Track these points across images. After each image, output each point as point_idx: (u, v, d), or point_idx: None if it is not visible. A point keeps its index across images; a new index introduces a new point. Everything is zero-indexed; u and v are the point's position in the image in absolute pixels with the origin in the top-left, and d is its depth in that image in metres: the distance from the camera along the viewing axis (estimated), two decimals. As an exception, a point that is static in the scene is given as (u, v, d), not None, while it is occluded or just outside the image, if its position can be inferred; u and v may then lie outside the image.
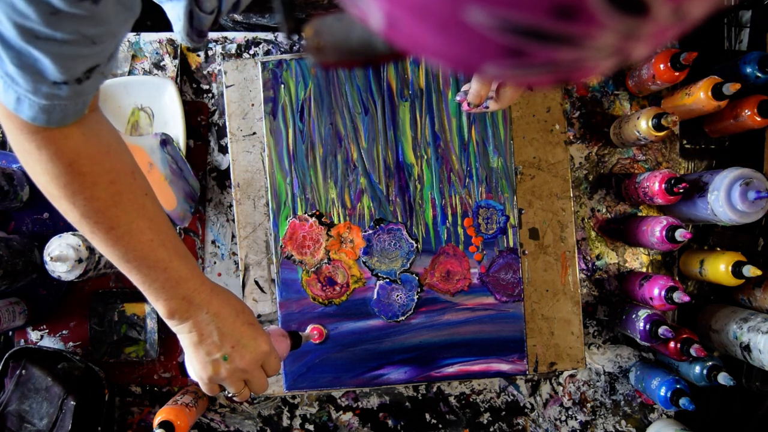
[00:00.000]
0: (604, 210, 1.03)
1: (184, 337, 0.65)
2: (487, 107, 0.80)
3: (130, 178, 0.60)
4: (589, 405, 1.04)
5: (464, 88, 0.87)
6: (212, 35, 1.02)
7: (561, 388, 1.04)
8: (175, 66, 1.01)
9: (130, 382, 1.01)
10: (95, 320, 0.99)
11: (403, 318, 0.92)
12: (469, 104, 0.79)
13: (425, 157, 0.92)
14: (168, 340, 1.01)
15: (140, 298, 1.00)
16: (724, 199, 0.85)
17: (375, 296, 0.92)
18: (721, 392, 1.01)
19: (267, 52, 1.02)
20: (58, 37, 0.46)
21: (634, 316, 0.91)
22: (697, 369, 0.92)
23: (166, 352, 1.01)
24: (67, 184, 0.56)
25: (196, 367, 0.65)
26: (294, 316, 0.92)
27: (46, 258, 0.84)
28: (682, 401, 0.89)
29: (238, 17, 1.00)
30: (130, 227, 0.59)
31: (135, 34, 1.01)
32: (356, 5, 0.27)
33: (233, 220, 1.00)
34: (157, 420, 0.87)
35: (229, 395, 0.68)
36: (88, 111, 0.56)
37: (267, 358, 0.67)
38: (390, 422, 1.03)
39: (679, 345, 0.89)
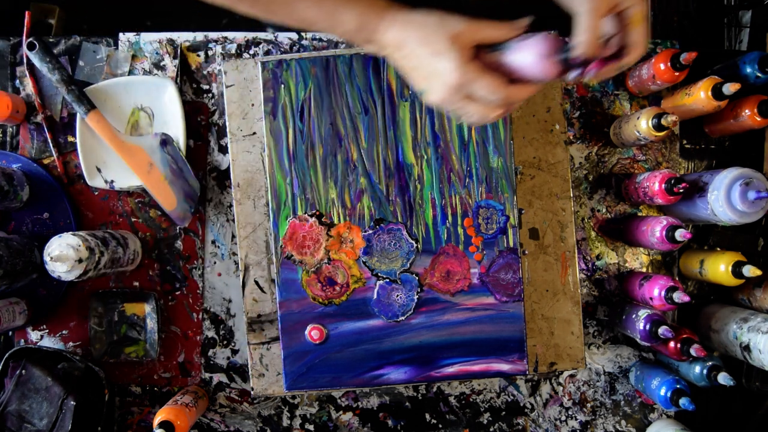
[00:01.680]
0: (604, 210, 1.03)
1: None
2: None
3: None
4: (589, 405, 1.04)
5: None
6: (212, 35, 1.02)
7: (561, 388, 1.04)
8: (175, 66, 1.01)
9: (130, 382, 1.01)
10: (95, 320, 0.99)
11: (403, 318, 0.92)
12: None
13: (425, 157, 0.92)
14: (168, 339, 1.01)
15: (140, 298, 1.00)
16: (724, 199, 0.85)
17: (375, 296, 0.92)
18: (721, 392, 1.01)
19: (267, 52, 1.02)
20: None
21: (634, 316, 0.91)
22: (697, 369, 0.92)
23: (166, 352, 1.01)
24: None
25: None
26: (294, 316, 0.91)
27: (46, 258, 0.84)
28: (682, 401, 0.89)
29: None
30: None
31: (135, 34, 1.01)
32: None
33: (233, 220, 1.00)
34: (157, 420, 0.87)
35: None
36: None
37: (466, 88, 0.55)
38: (390, 422, 1.03)
39: (679, 345, 0.89)
